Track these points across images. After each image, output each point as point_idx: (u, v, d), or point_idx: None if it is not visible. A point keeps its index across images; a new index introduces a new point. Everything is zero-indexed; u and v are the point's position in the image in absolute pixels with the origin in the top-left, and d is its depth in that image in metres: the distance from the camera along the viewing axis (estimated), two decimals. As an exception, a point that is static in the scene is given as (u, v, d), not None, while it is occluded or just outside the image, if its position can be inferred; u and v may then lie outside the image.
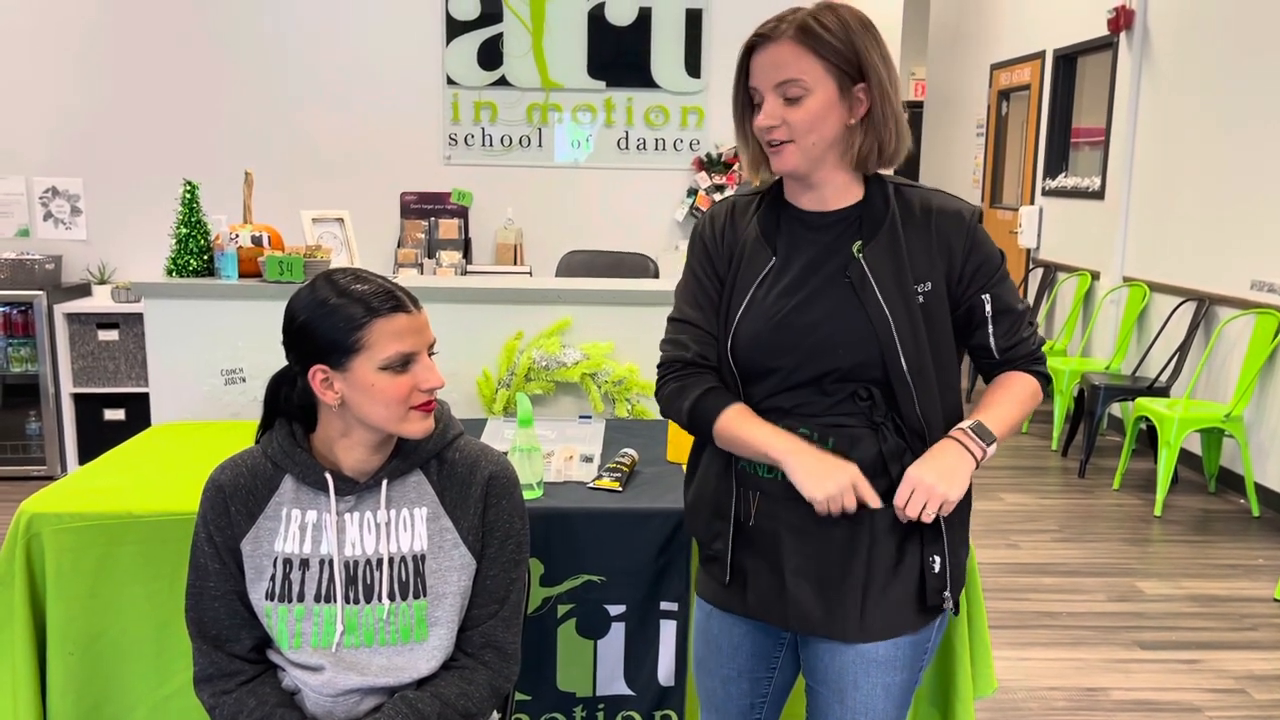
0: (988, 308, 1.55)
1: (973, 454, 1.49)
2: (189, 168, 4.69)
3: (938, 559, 1.54)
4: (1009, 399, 1.58)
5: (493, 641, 1.60)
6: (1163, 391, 5.15)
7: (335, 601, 1.55)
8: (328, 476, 1.55)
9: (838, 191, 1.54)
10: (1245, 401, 4.66)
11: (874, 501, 1.46)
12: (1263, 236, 4.82)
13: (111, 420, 4.81)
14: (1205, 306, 5.17)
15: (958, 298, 1.54)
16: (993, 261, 1.55)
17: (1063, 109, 7.07)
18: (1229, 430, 4.68)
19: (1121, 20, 5.97)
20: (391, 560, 1.56)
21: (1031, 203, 7.44)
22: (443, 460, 1.61)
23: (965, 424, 1.52)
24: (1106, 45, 6.30)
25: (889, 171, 1.58)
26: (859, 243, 1.51)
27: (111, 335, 4.79)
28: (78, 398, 4.82)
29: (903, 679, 1.59)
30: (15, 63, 5.08)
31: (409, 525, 1.57)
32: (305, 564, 1.55)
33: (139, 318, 4.67)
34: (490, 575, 1.60)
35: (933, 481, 1.45)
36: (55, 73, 5.11)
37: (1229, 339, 4.99)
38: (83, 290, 5.03)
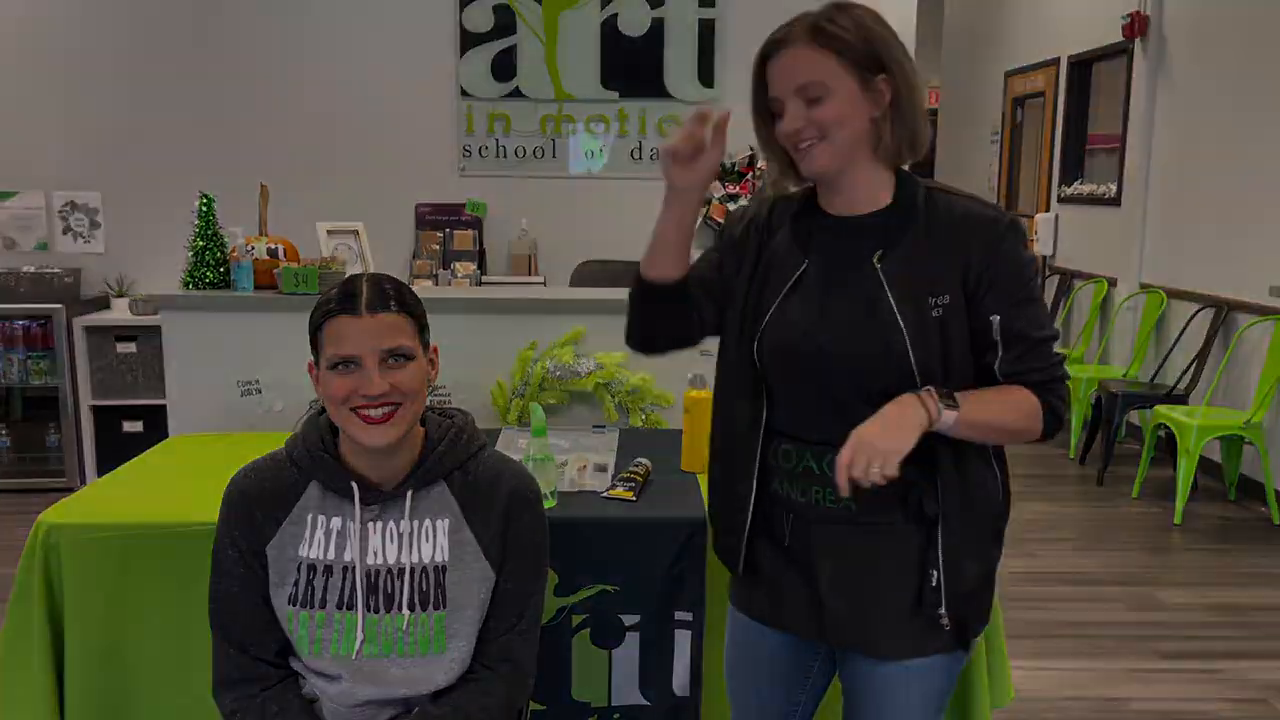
0: (995, 332, 1.44)
1: (927, 410, 1.38)
2: (205, 181, 4.71)
3: (935, 572, 1.48)
4: (997, 395, 1.46)
5: (508, 655, 1.60)
6: (1181, 399, 5.11)
7: (356, 609, 1.55)
8: (354, 485, 1.55)
9: (869, 192, 1.50)
10: (1265, 408, 4.61)
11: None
12: (1281, 242, 4.80)
13: (130, 432, 4.84)
14: (1224, 313, 5.13)
15: (972, 312, 1.45)
16: (1016, 280, 1.44)
17: (1078, 116, 7.03)
18: (1249, 437, 4.64)
19: (1136, 26, 5.94)
20: (412, 570, 1.56)
21: (1047, 210, 7.41)
22: (466, 472, 1.61)
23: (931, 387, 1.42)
24: (1121, 51, 6.27)
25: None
26: (879, 252, 1.47)
27: (130, 347, 4.83)
28: (96, 410, 4.86)
29: (940, 687, 1.57)
30: (33, 78, 5.13)
31: (431, 536, 1.57)
32: (329, 570, 1.55)
33: (157, 330, 4.66)
34: (508, 589, 1.60)
35: (872, 439, 1.35)
36: (73, 87, 5.15)
37: (1248, 345, 4.95)
38: (101, 303, 5.07)
